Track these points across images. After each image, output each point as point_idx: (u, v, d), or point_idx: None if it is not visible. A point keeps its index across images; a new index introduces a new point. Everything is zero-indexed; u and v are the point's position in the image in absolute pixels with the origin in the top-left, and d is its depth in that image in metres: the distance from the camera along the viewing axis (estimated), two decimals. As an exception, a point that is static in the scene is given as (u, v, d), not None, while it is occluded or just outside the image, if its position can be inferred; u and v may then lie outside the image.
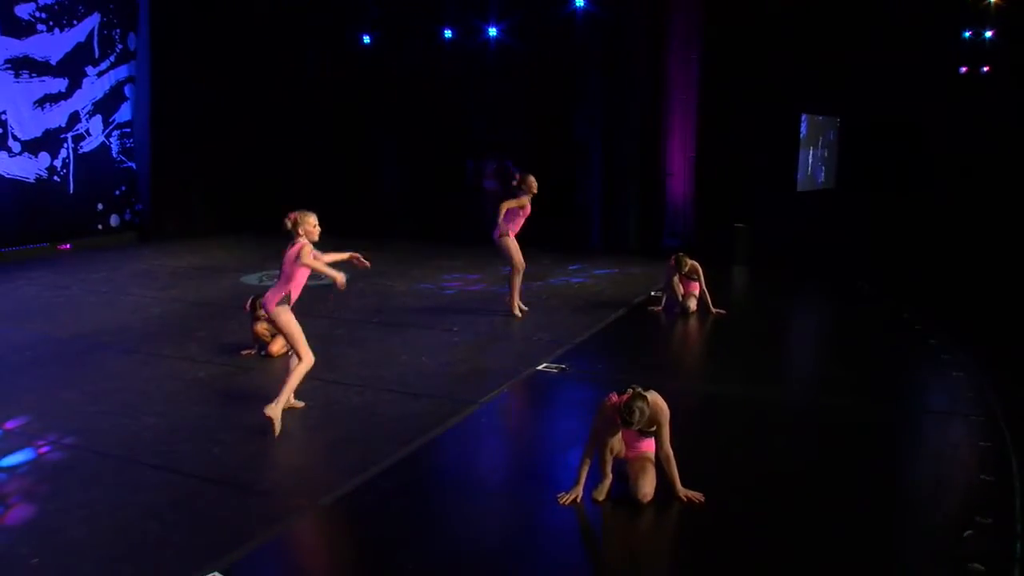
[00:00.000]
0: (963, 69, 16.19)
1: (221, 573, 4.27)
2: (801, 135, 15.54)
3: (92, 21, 15.22)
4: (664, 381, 6.31)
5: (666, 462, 5.13)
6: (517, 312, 10.12)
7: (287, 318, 6.37)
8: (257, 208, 17.42)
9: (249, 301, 8.60)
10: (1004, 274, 13.08)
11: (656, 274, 13.01)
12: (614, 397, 5.06)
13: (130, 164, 16.18)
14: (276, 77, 17.97)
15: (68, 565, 4.41)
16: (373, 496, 5.27)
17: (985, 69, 16.09)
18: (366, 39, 17.75)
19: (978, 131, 15.41)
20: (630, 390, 4.96)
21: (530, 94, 16.77)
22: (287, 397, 6.35)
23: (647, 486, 5.09)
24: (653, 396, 5.04)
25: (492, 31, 16.82)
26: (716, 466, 5.65)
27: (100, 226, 15.75)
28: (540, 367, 8.01)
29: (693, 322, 10.21)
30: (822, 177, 16.34)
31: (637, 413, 4.88)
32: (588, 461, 5.16)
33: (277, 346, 8.36)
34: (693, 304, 10.40)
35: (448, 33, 17.18)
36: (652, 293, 11.41)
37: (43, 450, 5.92)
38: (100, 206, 15.76)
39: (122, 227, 16.09)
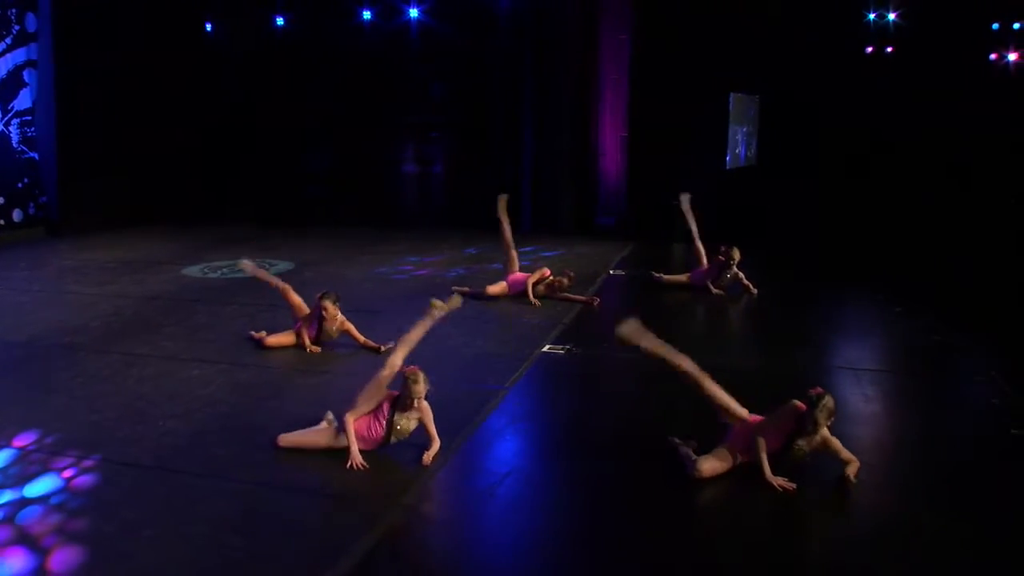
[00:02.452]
0: (869, 49, 16.97)
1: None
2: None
3: (-16, 1, 14.09)
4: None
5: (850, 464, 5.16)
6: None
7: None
8: (173, 198, 16.66)
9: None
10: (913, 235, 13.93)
11: (599, 253, 13.17)
12: (800, 404, 5.13)
13: (32, 154, 15.06)
14: (189, 60, 17.09)
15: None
16: (456, 487, 5.12)
17: (889, 49, 16.91)
18: (279, 20, 17.11)
19: (883, 109, 16.20)
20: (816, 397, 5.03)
21: (456, 76, 16.57)
22: None
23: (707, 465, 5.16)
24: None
25: (414, 12, 16.52)
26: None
27: (2, 221, 14.62)
28: (545, 349, 7.95)
29: (666, 296, 10.52)
30: (746, 155, 16.79)
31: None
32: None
33: (273, 339, 7.99)
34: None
35: (367, 14, 16.76)
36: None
37: (68, 472, 5.36)
38: (1, 200, 14.63)
39: (27, 222, 14.97)
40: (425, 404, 5.51)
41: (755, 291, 10.37)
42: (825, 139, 16.28)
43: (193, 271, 11.74)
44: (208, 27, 17.41)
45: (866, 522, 4.82)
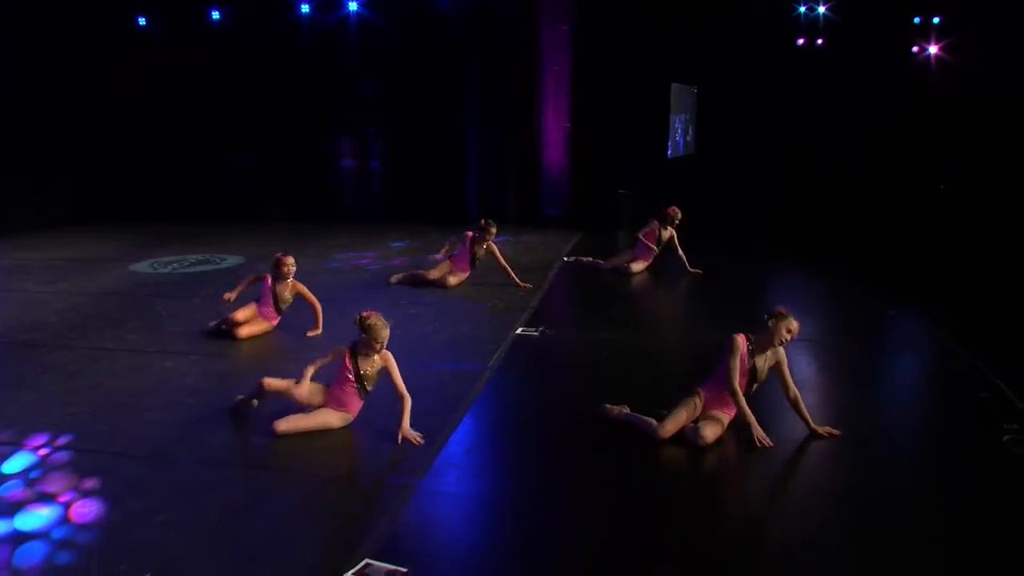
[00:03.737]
0: (800, 41, 17.48)
1: (373, 560, 4.06)
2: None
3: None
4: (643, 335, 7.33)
5: (795, 403, 5.47)
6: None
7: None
8: (108, 196, 16.23)
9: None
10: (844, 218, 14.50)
11: (548, 242, 13.34)
12: (741, 337, 5.43)
13: (-39, 153, 14.54)
14: (121, 54, 16.68)
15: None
16: (463, 461, 5.25)
17: (820, 42, 17.44)
18: (215, 14, 16.80)
19: (814, 100, 16.71)
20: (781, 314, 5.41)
21: (397, 69, 16.52)
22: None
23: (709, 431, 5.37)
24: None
25: (353, 5, 16.41)
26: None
27: (-69, 221, 14.08)
28: (518, 331, 8.06)
29: (628, 279, 10.98)
30: (684, 145, 17.14)
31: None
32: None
33: (245, 330, 7.92)
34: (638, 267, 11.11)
35: (305, 7, 16.59)
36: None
37: (54, 456, 5.30)
38: (-71, 200, 14.08)
39: (-53, 222, 14.42)
40: (387, 353, 5.61)
41: (692, 270, 10.88)
42: (760, 129, 16.72)
43: (142, 267, 11.51)
44: (141, 21, 16.97)
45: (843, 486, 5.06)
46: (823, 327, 8.40)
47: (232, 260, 11.89)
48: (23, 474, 5.09)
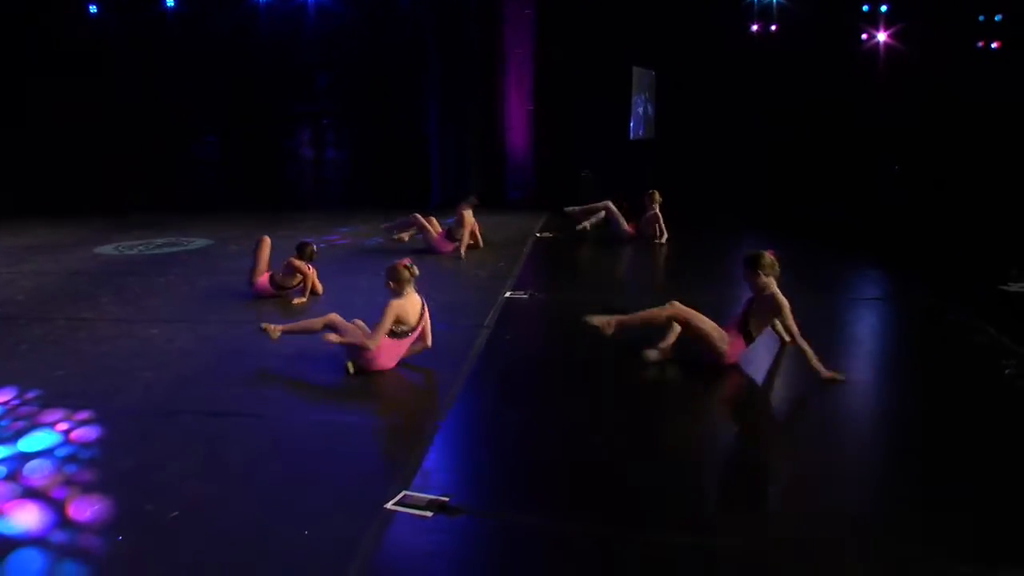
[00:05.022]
0: (754, 27, 17.75)
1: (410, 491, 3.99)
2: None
3: None
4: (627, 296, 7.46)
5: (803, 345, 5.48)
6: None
7: None
8: (61, 186, 15.74)
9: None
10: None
11: (518, 222, 13.35)
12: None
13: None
14: (72, 43, 16.23)
15: (228, 506, 3.95)
16: (480, 403, 5.29)
17: (773, 28, 17.74)
18: (170, 1, 16.47)
19: (771, 83, 16.99)
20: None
21: (358, 56, 16.39)
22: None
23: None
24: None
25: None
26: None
27: None
28: (507, 295, 8.03)
29: (604, 246, 11.32)
30: (644, 128, 17.25)
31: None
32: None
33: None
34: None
35: (263, -6, 16.38)
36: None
37: (61, 425, 4.98)
38: None
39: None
40: (417, 296, 5.84)
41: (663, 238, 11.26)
42: (717, 111, 16.89)
43: (107, 250, 11.18)
44: (92, 9, 16.56)
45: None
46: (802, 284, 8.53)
47: (200, 242, 11.62)
48: (10, 424, 4.89)
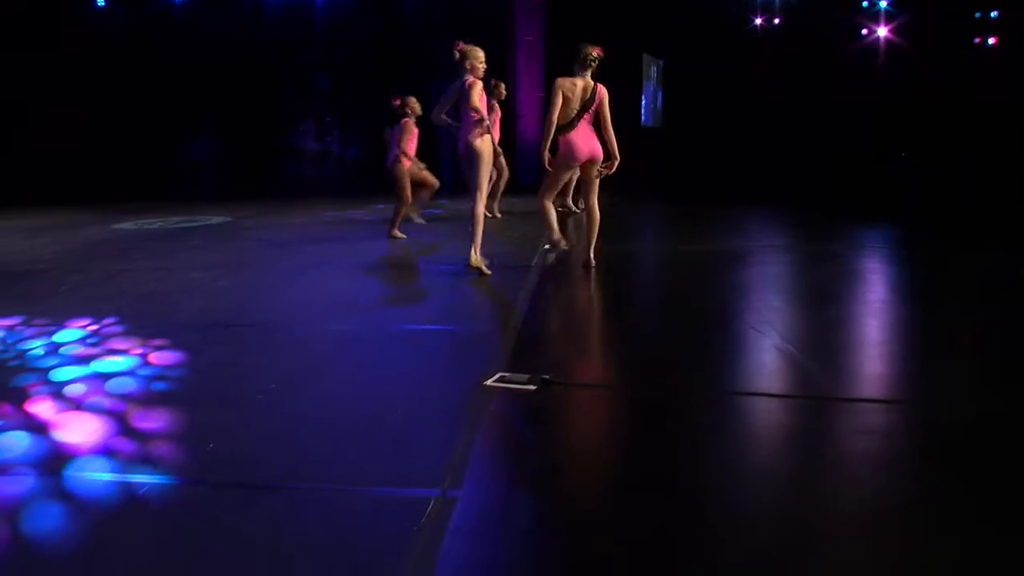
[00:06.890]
0: (758, 21, 17.89)
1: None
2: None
3: None
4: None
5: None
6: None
7: (488, 148, 6.54)
8: (64, 180, 15.50)
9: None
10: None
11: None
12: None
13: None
14: (79, 37, 16.15)
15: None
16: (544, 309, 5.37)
17: (777, 21, 17.88)
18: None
19: (773, 75, 17.11)
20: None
21: (371, 45, 16.39)
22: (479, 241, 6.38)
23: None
24: None
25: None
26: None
27: None
28: (545, 247, 7.92)
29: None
30: (653, 113, 17.31)
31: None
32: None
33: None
34: None
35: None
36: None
37: (107, 328, 4.96)
38: None
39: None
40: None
41: None
42: (723, 101, 16.95)
43: (127, 225, 10.99)
44: (100, 2, 16.49)
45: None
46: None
47: (218, 219, 11.46)
48: (82, 340, 4.75)
